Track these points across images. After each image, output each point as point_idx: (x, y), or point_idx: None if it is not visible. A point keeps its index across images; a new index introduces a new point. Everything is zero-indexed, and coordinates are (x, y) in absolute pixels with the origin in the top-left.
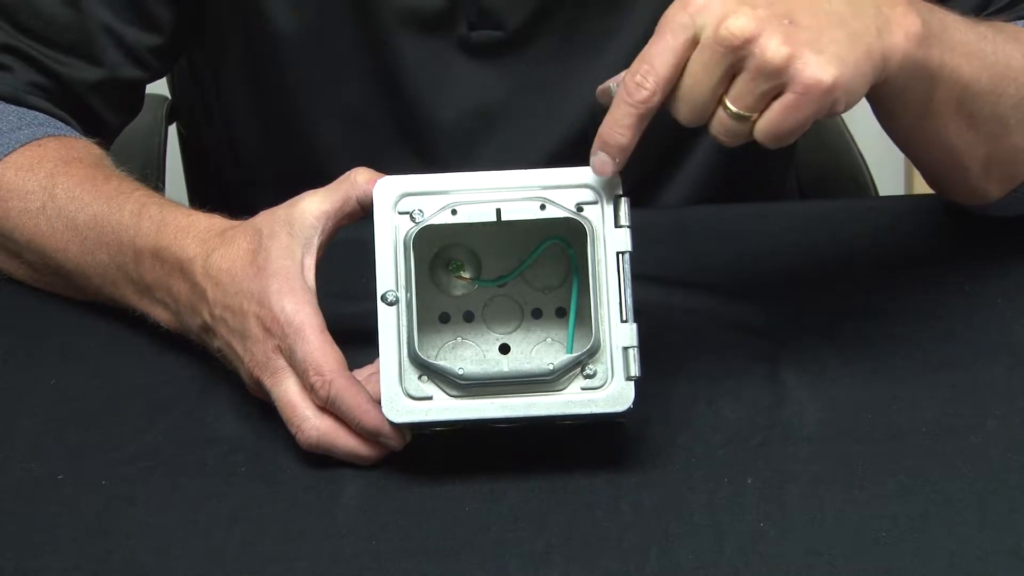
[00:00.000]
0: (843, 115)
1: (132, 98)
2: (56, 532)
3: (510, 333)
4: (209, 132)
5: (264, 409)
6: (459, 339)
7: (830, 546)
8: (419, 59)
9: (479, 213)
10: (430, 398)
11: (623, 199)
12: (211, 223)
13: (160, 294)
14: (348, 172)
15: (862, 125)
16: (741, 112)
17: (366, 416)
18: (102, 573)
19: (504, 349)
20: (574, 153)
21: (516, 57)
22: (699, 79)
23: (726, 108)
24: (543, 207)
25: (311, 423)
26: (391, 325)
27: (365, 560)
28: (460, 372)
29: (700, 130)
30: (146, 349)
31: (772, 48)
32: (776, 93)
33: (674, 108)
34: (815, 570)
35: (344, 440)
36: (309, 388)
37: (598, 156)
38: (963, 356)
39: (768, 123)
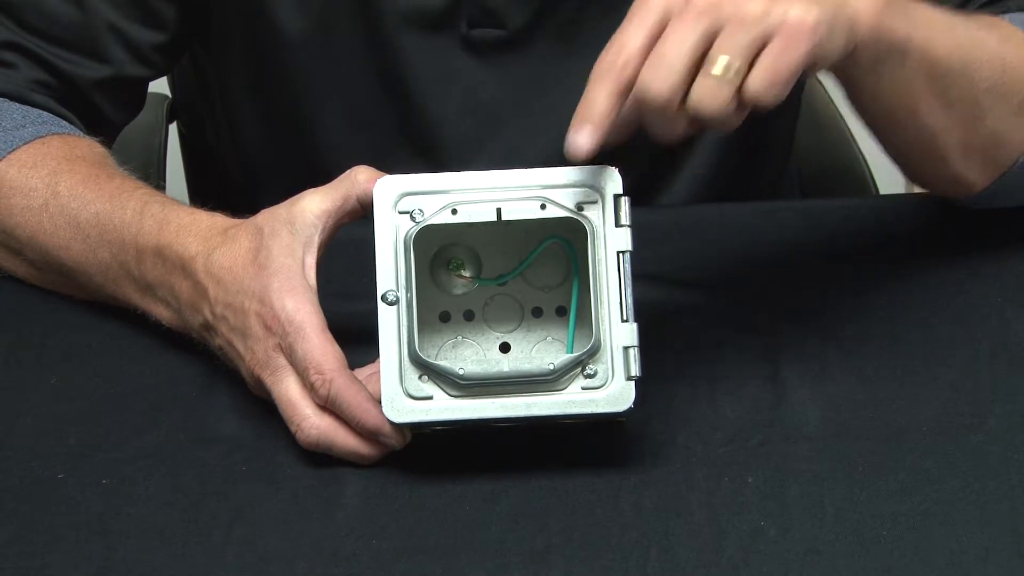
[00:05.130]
0: (843, 114)
1: (135, 96)
2: (56, 532)
3: (510, 332)
4: (212, 131)
5: (264, 408)
6: (459, 338)
7: (830, 544)
8: (422, 57)
9: (479, 213)
10: (430, 398)
11: (623, 198)
12: (213, 221)
13: (162, 292)
14: (349, 171)
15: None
16: (726, 74)
17: (366, 415)
18: (102, 573)
19: (504, 348)
20: None
21: (517, 56)
22: (676, 42)
23: (708, 75)
24: (543, 207)
25: (311, 422)
26: (391, 325)
27: (365, 560)
28: (461, 372)
29: (696, 136)
30: (146, 348)
31: (750, 2)
32: (760, 46)
33: (648, 79)
34: (815, 569)
35: (344, 439)
36: (309, 387)
37: (571, 134)
38: (963, 356)
39: (763, 72)
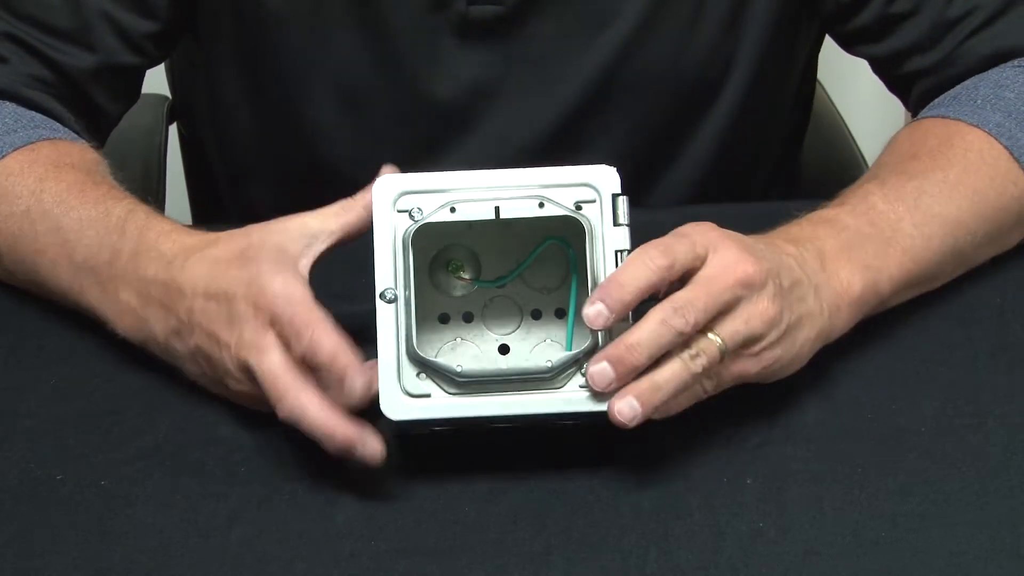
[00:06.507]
0: (843, 115)
1: (129, 85)
2: (56, 532)
3: (509, 334)
4: (205, 127)
5: None
6: (458, 340)
7: (829, 546)
8: (416, 37)
9: (478, 211)
10: (428, 396)
11: (622, 198)
12: (197, 232)
13: (125, 294)
14: (360, 192)
15: (862, 124)
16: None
17: (352, 380)
18: (101, 573)
19: (503, 350)
20: (572, 131)
21: (514, 34)
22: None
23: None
24: (542, 205)
25: (291, 394)
26: (390, 323)
27: (365, 560)
28: (458, 369)
29: (697, 122)
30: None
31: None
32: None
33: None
34: (814, 570)
35: (315, 414)
36: (287, 341)
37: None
38: (963, 356)
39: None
